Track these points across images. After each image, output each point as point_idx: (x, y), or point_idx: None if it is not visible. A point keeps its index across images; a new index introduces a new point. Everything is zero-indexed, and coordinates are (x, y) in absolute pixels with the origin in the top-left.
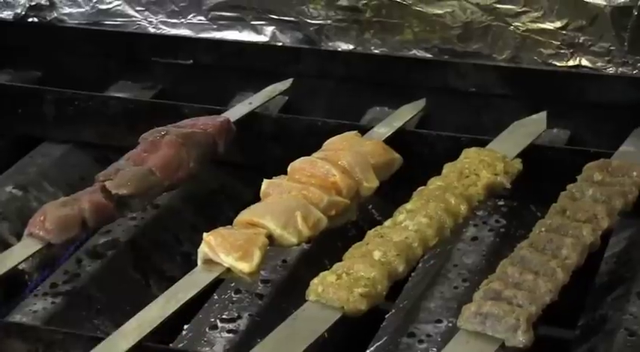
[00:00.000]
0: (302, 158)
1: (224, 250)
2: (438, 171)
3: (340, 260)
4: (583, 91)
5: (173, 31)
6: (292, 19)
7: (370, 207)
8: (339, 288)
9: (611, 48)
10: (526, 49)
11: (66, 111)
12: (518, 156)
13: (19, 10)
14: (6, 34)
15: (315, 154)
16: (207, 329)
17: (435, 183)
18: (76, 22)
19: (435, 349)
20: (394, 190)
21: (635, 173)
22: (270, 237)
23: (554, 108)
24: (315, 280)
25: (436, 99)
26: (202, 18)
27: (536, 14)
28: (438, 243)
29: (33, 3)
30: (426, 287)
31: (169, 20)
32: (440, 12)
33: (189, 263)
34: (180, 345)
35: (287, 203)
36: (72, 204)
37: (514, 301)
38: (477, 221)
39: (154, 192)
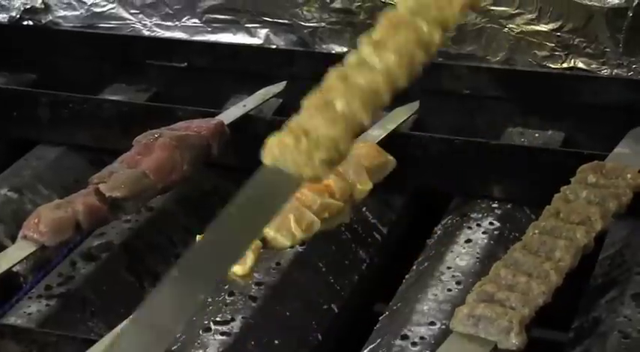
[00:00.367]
0: None
1: None
2: (432, 173)
3: (333, 262)
4: (577, 93)
5: (167, 34)
6: (286, 21)
7: (364, 209)
8: (297, 154)
9: (606, 49)
10: (520, 50)
11: (61, 113)
12: None
13: (13, 13)
14: (1, 36)
15: None
16: (200, 332)
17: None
18: (71, 25)
19: (428, 351)
20: (387, 193)
21: (629, 175)
22: (263, 239)
23: (548, 110)
24: (272, 140)
25: (430, 101)
26: (196, 21)
27: (530, 16)
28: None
29: (28, 6)
30: (420, 289)
31: (164, 23)
32: None
33: None
34: (174, 348)
35: None
36: (66, 206)
37: (507, 303)
38: (470, 223)
39: (147, 195)
